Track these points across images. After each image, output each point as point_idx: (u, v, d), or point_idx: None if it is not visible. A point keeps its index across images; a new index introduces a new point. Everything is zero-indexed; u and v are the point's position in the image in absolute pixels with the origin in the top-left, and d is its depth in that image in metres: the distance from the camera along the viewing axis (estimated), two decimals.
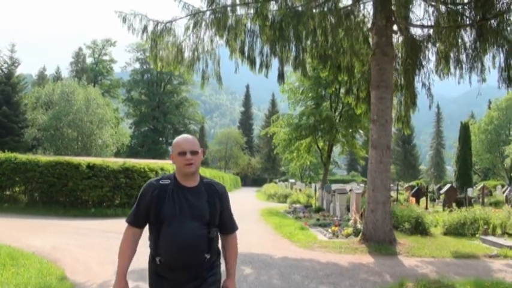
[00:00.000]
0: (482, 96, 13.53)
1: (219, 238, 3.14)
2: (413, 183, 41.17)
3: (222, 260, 3.16)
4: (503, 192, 27.42)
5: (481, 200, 21.28)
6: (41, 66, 71.67)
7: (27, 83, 52.16)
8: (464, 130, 35.14)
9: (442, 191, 23.21)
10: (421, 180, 51.68)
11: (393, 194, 24.51)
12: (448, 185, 24.57)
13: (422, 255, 10.13)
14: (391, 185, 33.73)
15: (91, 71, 67.98)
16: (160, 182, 3.01)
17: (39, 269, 7.54)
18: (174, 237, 2.85)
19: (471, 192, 28.13)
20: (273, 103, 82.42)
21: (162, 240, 2.88)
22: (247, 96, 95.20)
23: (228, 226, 3.17)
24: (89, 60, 70.89)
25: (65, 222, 14.77)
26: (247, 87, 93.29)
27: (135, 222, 3.05)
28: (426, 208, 19.84)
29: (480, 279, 7.38)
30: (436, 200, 24.95)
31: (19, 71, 47.40)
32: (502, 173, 52.15)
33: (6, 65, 44.77)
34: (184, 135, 3.10)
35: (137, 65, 72.00)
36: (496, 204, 22.03)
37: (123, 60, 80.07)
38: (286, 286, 7.15)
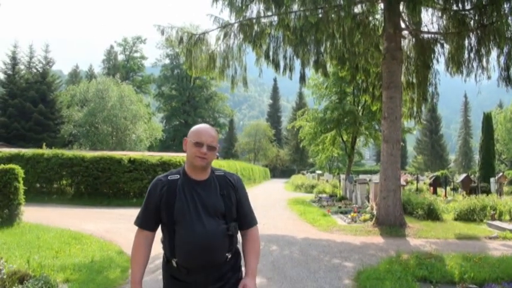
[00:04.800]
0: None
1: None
2: (437, 173, 41.74)
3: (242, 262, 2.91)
4: None
5: (500, 188, 21.92)
6: (73, 64, 73.79)
7: (61, 81, 54.27)
8: (487, 121, 35.43)
9: (458, 181, 24.09)
10: (445, 171, 51.95)
11: (415, 183, 25.69)
12: (464, 175, 25.38)
13: (428, 237, 11.37)
14: (416, 175, 34.80)
15: (123, 68, 69.81)
16: (168, 177, 2.78)
17: (100, 246, 9.22)
18: (192, 237, 2.59)
19: (493, 181, 28.74)
20: (301, 95, 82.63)
21: (178, 241, 2.63)
22: (275, 89, 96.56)
23: (247, 219, 2.87)
24: (120, 58, 72.98)
25: (110, 210, 16.51)
26: (275, 80, 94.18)
27: (146, 225, 2.78)
28: (445, 196, 20.74)
29: (468, 254, 8.33)
30: (459, 189, 25.64)
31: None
32: None
33: (41, 65, 46.97)
34: (206, 126, 2.83)
35: (167, 61, 73.66)
36: None
37: (154, 57, 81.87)
38: (304, 259, 8.56)
